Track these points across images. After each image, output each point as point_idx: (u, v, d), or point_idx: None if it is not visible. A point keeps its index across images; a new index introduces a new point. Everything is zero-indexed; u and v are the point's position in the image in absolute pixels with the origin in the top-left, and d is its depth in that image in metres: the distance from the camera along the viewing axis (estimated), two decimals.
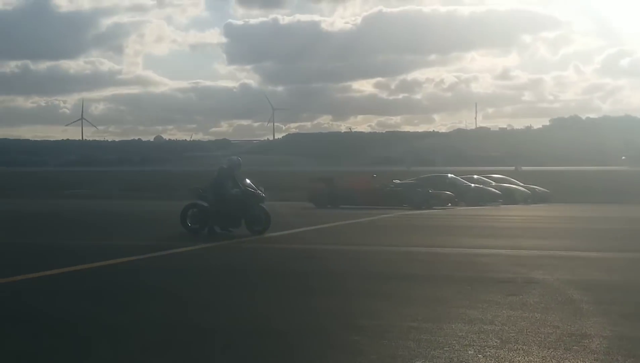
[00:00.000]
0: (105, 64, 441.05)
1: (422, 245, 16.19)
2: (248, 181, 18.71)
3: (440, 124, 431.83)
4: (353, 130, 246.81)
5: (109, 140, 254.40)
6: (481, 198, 38.11)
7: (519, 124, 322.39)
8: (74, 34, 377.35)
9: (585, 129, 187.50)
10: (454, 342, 6.81)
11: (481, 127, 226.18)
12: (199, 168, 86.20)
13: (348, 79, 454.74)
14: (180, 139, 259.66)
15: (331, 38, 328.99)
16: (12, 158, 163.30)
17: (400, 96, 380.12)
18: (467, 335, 7.09)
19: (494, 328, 7.37)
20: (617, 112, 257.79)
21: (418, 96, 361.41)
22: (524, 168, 76.48)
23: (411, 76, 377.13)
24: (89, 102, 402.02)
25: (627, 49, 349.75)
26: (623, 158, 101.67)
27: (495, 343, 6.76)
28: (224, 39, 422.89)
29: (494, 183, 42.12)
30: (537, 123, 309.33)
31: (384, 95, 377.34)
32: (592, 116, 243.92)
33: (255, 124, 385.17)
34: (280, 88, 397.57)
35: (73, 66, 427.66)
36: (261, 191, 18.49)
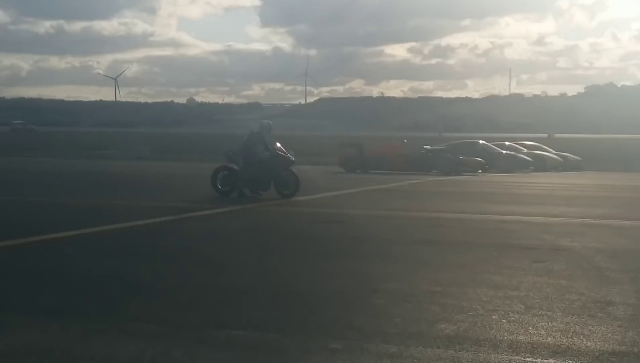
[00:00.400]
0: (139, 25, 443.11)
1: (449, 211, 16.18)
2: (278, 144, 18.78)
3: (473, 90, 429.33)
4: (385, 95, 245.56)
5: (142, 102, 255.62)
6: (512, 164, 37.88)
7: (553, 91, 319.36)
8: None
9: (620, 97, 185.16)
10: (479, 306, 6.87)
11: (515, 94, 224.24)
12: (230, 131, 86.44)
13: (381, 43, 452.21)
14: (213, 102, 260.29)
15: (365, 2, 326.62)
16: (45, 118, 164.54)
17: (433, 61, 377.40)
18: (492, 300, 7.15)
19: (519, 294, 7.41)
20: None
21: (451, 62, 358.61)
22: (557, 135, 75.85)
23: (444, 41, 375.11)
24: (122, 63, 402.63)
25: None
26: None
27: (519, 309, 6.80)
28: (257, 2, 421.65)
29: (525, 150, 41.82)
30: (572, 90, 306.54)
31: (416, 60, 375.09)
32: (627, 83, 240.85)
33: (287, 88, 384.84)
34: (313, 52, 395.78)
35: (106, 26, 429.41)
36: (291, 155, 18.56)
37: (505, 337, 5.86)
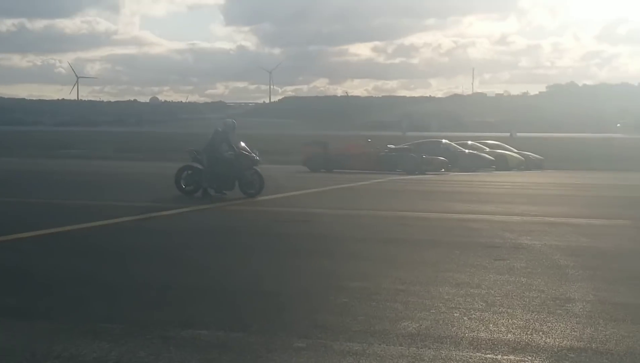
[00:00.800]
0: (102, 24, 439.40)
1: (413, 209, 16.33)
2: (243, 144, 18.80)
3: (437, 89, 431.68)
4: (349, 94, 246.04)
5: (105, 100, 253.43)
6: (474, 163, 38.24)
7: (515, 90, 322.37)
8: None
9: (581, 96, 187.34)
10: (441, 304, 6.98)
11: (478, 93, 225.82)
12: (194, 130, 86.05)
13: (345, 42, 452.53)
14: (176, 100, 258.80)
15: (329, 1, 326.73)
16: (7, 117, 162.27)
17: (397, 60, 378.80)
18: (454, 298, 7.26)
19: (480, 292, 7.54)
20: (614, 79, 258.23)
21: (415, 61, 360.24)
22: (519, 134, 76.50)
23: (408, 40, 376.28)
24: (85, 62, 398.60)
25: (625, 17, 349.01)
26: (618, 125, 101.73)
27: (480, 306, 6.92)
28: (221, 0, 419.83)
29: (488, 149, 42.20)
30: (534, 89, 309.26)
31: (380, 59, 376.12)
32: (588, 83, 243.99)
33: (252, 87, 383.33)
34: (277, 50, 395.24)
35: (69, 25, 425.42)
36: (255, 154, 18.60)
37: (467, 334, 5.97)
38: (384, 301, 7.07)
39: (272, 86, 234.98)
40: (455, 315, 6.60)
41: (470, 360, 5.33)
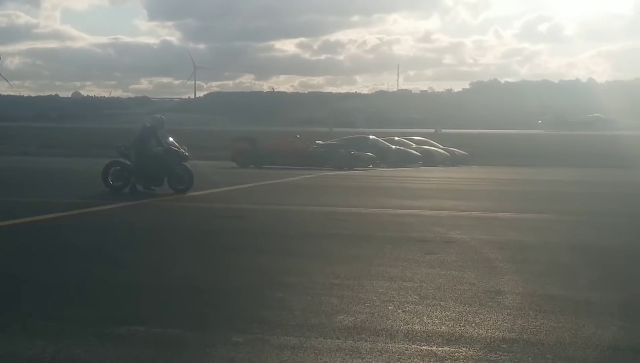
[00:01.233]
0: (22, 18, 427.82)
1: (343, 205, 16.43)
2: (171, 139, 18.65)
3: (363, 85, 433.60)
4: (275, 90, 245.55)
5: (25, 95, 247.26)
6: (402, 159, 38.70)
7: (439, 87, 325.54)
8: None
9: (504, 93, 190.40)
10: (375, 298, 7.06)
11: (403, 90, 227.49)
12: (118, 126, 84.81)
13: (271, 38, 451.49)
14: (99, 95, 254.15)
15: None
16: None
17: (323, 56, 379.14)
18: (388, 291, 7.36)
19: (413, 285, 7.65)
20: (535, 77, 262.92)
21: (340, 57, 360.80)
22: (443, 130, 77.58)
23: (334, 36, 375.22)
24: (4, 56, 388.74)
25: (546, 15, 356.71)
26: (540, 121, 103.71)
27: (414, 299, 7.03)
28: None
29: (414, 145, 42.76)
30: (458, 86, 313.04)
31: (306, 55, 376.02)
32: (510, 80, 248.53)
33: (176, 82, 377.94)
34: (202, 46, 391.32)
35: None
36: (185, 150, 18.48)
37: (402, 327, 6.06)
38: (319, 295, 7.12)
39: (196, 82, 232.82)
40: (389, 308, 6.69)
41: (406, 352, 5.42)
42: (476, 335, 5.86)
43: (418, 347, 5.54)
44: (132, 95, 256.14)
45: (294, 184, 24.00)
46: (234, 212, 14.58)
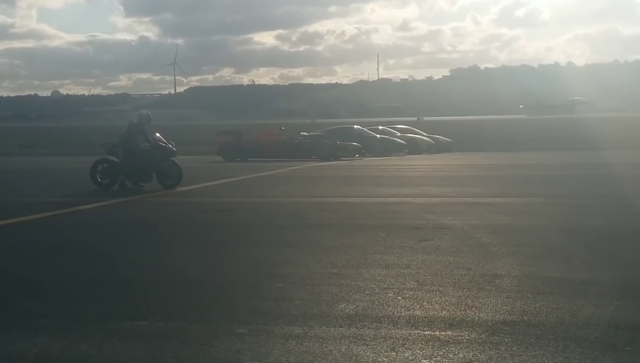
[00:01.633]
0: None
1: (333, 195, 16.48)
2: (158, 135, 18.63)
3: (343, 75, 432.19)
4: (256, 83, 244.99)
5: (4, 95, 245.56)
6: (387, 148, 38.75)
7: (420, 75, 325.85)
8: None
9: (484, 79, 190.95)
10: (374, 285, 7.12)
11: (383, 79, 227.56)
12: (100, 123, 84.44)
13: (249, 31, 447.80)
14: (79, 94, 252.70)
15: None
16: None
17: (302, 48, 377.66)
18: (386, 279, 7.42)
19: (411, 272, 7.71)
20: (514, 62, 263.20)
21: (319, 48, 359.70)
22: (425, 118, 77.74)
23: (312, 27, 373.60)
24: None
25: (522, 0, 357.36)
26: (521, 106, 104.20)
27: (412, 286, 7.09)
28: None
29: (399, 134, 42.81)
30: (438, 74, 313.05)
31: (285, 47, 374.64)
32: (490, 66, 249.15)
33: (156, 78, 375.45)
34: (180, 41, 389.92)
35: None
36: (172, 146, 18.45)
37: (403, 313, 6.11)
38: (318, 285, 7.17)
39: (176, 77, 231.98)
40: (389, 295, 6.74)
41: (409, 337, 5.47)
42: (477, 318, 5.92)
43: (421, 332, 5.60)
44: (111, 92, 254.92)
45: (281, 176, 24.02)
46: (224, 205, 14.60)
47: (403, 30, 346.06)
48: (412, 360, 4.98)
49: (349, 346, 5.28)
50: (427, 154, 39.43)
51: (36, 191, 18.81)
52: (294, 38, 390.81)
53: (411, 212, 12.90)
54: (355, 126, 41.55)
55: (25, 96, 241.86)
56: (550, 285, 7.01)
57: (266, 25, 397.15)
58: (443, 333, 5.57)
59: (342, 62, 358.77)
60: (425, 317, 5.99)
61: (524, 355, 5.01)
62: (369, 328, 5.71)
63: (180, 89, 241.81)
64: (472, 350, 5.15)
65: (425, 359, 4.99)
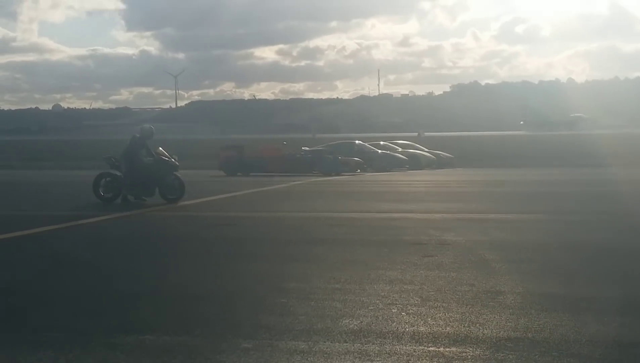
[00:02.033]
0: None
1: (335, 210, 16.50)
2: (161, 149, 18.66)
3: (343, 91, 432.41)
4: (257, 97, 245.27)
5: (5, 109, 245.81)
6: (388, 163, 38.78)
7: (420, 90, 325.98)
8: None
9: (484, 95, 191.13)
10: (378, 301, 7.13)
11: (384, 94, 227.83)
12: (100, 137, 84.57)
13: (250, 46, 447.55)
14: (80, 107, 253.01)
15: (231, 4, 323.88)
16: None
17: (303, 63, 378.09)
18: (389, 294, 7.43)
19: (414, 288, 7.73)
20: (514, 78, 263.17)
21: (320, 63, 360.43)
22: (426, 133, 77.86)
23: (313, 42, 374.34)
24: None
25: (522, 16, 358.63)
26: (521, 123, 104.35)
27: (416, 302, 7.11)
28: (121, 5, 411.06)
29: (400, 149, 42.85)
30: (438, 89, 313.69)
31: (286, 62, 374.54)
32: (490, 82, 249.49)
33: (157, 92, 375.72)
34: (181, 55, 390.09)
35: None
36: (175, 160, 18.48)
37: (407, 329, 6.13)
38: (322, 300, 7.19)
39: (177, 90, 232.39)
40: (393, 310, 6.76)
41: (414, 353, 5.49)
42: (481, 335, 5.94)
43: (425, 348, 5.62)
44: (113, 106, 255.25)
45: (283, 191, 24.03)
46: (227, 220, 14.61)
47: (404, 46, 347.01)
48: None
49: (353, 361, 5.31)
50: (429, 170, 39.46)
51: (41, 204, 18.84)
52: (294, 53, 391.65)
53: (414, 228, 12.92)
54: (357, 142, 41.58)
55: (26, 109, 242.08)
56: (553, 301, 7.03)
57: (267, 40, 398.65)
58: (447, 349, 5.59)
59: (343, 77, 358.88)
60: (429, 333, 6.01)
61: None
62: (373, 343, 5.73)
63: (181, 103, 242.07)
64: None
65: None
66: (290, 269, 8.99)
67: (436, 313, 6.64)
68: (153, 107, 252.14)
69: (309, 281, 8.16)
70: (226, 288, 7.97)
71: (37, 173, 37.87)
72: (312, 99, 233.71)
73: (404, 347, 5.63)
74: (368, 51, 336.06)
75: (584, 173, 31.90)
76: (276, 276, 8.53)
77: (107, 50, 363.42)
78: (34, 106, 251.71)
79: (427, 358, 5.38)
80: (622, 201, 18.49)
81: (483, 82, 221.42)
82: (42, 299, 7.50)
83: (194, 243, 11.64)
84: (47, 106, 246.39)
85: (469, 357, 5.40)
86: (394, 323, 6.30)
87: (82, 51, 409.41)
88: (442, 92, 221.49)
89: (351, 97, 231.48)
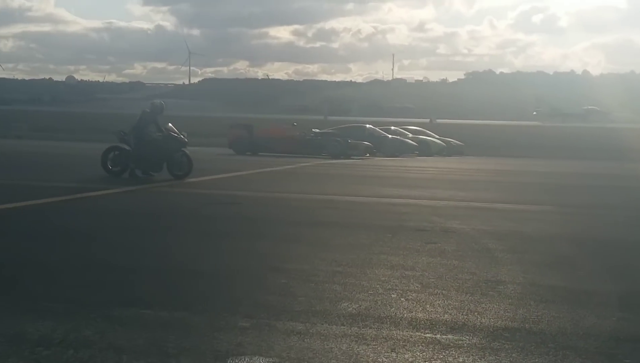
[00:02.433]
0: (15, 0, 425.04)
1: (341, 193, 16.49)
2: (170, 125, 18.70)
3: (357, 74, 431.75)
4: (270, 77, 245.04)
5: (19, 78, 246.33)
6: (398, 149, 38.77)
7: (434, 76, 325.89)
8: None
9: (498, 84, 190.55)
10: (378, 286, 7.13)
11: (397, 79, 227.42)
12: (112, 111, 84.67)
13: (265, 25, 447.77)
14: (93, 80, 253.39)
15: None
16: None
17: (318, 44, 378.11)
18: (390, 279, 7.43)
19: (415, 274, 7.73)
20: (529, 68, 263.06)
21: (335, 45, 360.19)
22: (438, 120, 77.70)
23: (328, 24, 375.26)
24: None
25: (540, 6, 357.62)
26: (534, 113, 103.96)
27: (416, 288, 7.10)
28: None
29: (410, 135, 42.81)
30: (452, 76, 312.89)
31: (301, 43, 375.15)
32: (505, 70, 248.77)
33: (171, 67, 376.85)
34: (196, 32, 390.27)
35: None
36: (184, 136, 18.51)
37: (405, 315, 6.13)
38: (322, 282, 7.19)
39: (190, 67, 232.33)
40: (392, 296, 6.76)
41: (410, 339, 5.49)
42: (479, 323, 5.93)
43: (422, 334, 5.62)
44: (126, 80, 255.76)
45: (291, 172, 24.06)
46: (232, 198, 14.64)
47: (419, 31, 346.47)
48: (412, 361, 5.00)
49: (350, 345, 5.31)
50: (438, 157, 39.42)
51: (48, 175, 18.90)
52: (309, 34, 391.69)
53: (418, 214, 12.91)
54: (367, 125, 41.54)
55: (39, 79, 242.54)
56: (553, 293, 7.02)
57: (282, 19, 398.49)
58: (444, 336, 5.58)
59: (357, 60, 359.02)
60: (427, 320, 6.00)
61: (524, 362, 5.03)
62: (370, 328, 5.73)
63: (194, 80, 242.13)
64: (472, 355, 5.17)
65: (425, 361, 5.01)
66: (292, 250, 9.01)
67: (435, 300, 6.63)
68: (166, 82, 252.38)
69: (310, 263, 8.16)
70: (227, 266, 7.99)
71: (46, 143, 37.97)
72: (325, 81, 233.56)
73: (401, 332, 5.63)
74: (383, 35, 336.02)
75: (594, 166, 31.81)
76: (278, 256, 8.54)
77: (122, 23, 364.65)
78: (47, 77, 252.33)
79: (423, 344, 5.38)
80: (632, 196, 18.44)
81: (497, 71, 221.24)
82: (44, 269, 7.52)
83: (197, 220, 11.67)
84: (60, 77, 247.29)
85: (465, 344, 5.39)
86: (393, 309, 6.30)
87: (97, 24, 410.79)
88: (456, 79, 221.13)
89: (365, 81, 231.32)
